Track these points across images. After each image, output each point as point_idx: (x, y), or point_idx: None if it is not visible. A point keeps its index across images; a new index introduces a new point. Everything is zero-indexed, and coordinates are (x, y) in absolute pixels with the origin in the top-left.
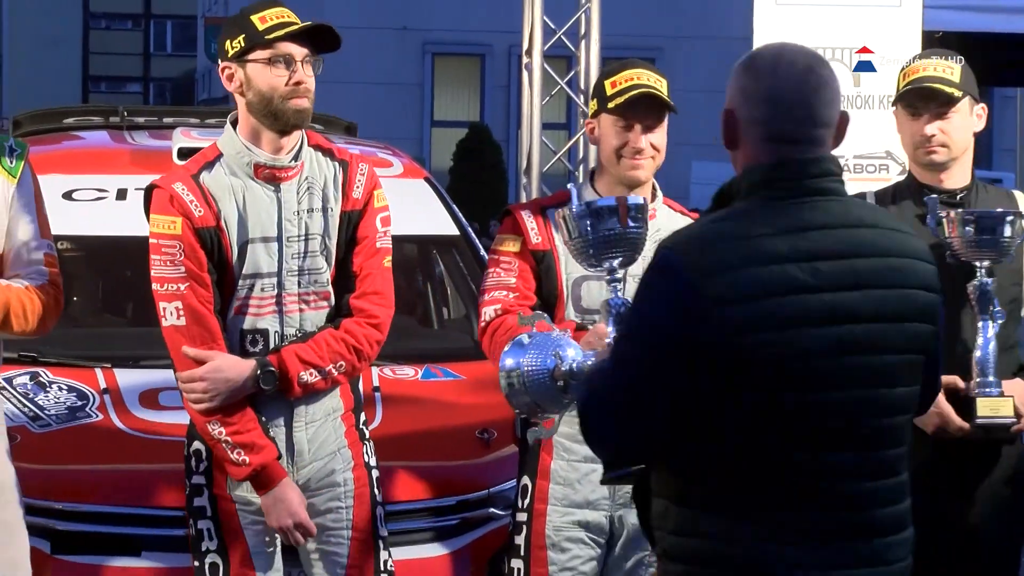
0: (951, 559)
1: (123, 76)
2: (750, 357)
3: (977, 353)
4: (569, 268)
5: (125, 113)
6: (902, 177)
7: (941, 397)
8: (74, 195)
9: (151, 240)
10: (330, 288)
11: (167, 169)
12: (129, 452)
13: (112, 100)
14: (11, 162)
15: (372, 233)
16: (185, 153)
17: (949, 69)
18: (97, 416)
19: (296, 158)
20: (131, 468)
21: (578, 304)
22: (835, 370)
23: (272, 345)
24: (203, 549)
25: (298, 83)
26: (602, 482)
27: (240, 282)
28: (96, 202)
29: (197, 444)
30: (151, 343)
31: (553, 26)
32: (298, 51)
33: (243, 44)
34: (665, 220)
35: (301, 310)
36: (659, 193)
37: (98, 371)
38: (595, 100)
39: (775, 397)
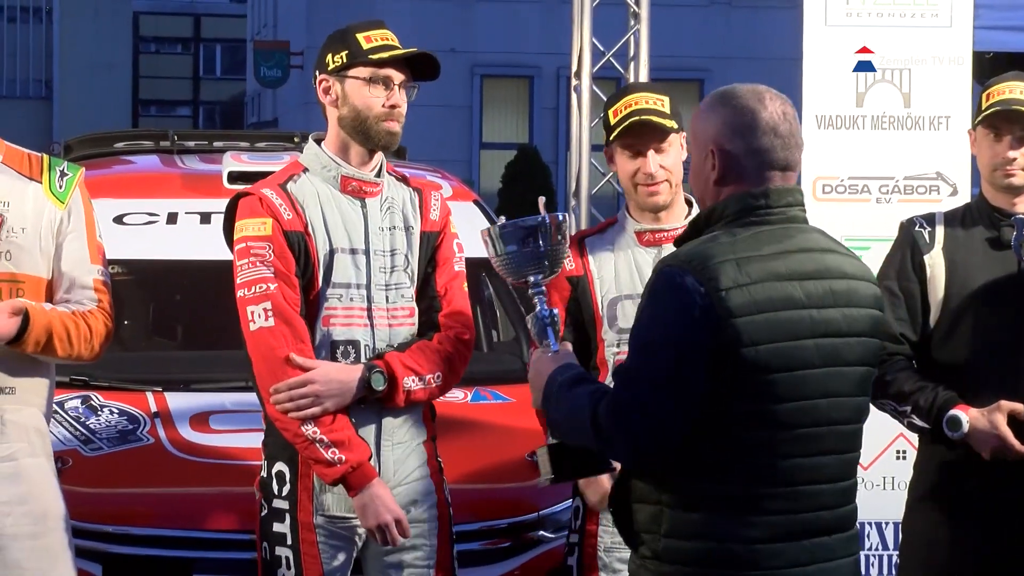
0: None
1: (173, 100)
2: (756, 366)
3: None
4: (603, 290)
5: (175, 137)
6: (953, 199)
7: (1001, 419)
8: (125, 219)
9: (238, 246)
10: (414, 305)
11: (217, 193)
12: (180, 475)
13: (162, 124)
14: (60, 187)
15: (451, 256)
16: (235, 177)
17: None
18: (148, 439)
19: (378, 175)
20: (182, 491)
21: (614, 323)
22: (821, 379)
23: (364, 357)
24: (278, 574)
25: (394, 106)
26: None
27: (329, 291)
28: (147, 226)
29: (280, 466)
30: (201, 367)
31: (602, 48)
32: (397, 75)
33: (344, 60)
34: None
35: (391, 325)
36: (695, 210)
37: (149, 395)
38: (605, 131)
39: (774, 403)
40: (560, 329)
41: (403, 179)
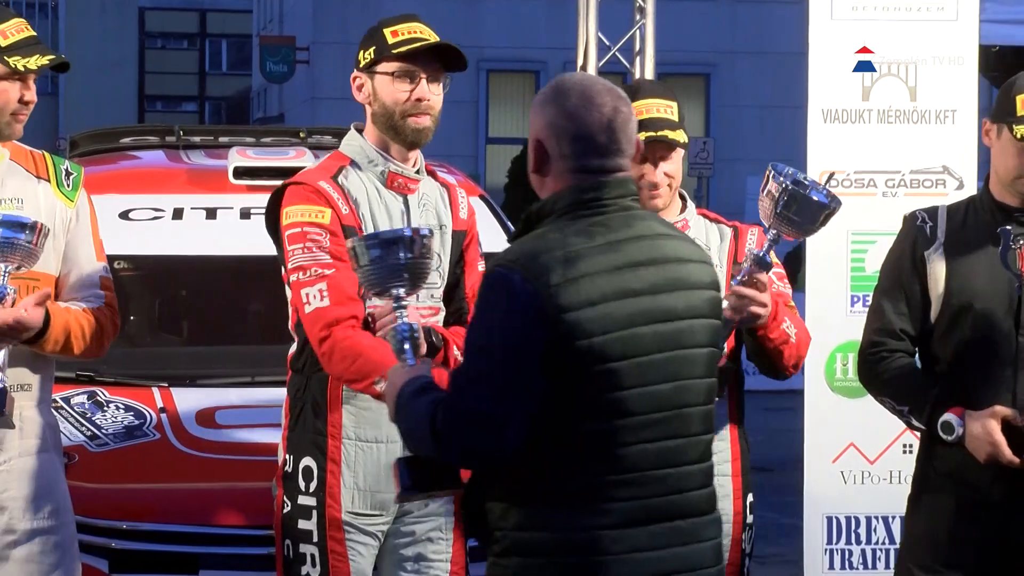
0: None
1: (179, 95)
2: (594, 358)
3: None
4: None
5: (181, 132)
6: (959, 192)
7: (995, 426)
8: (131, 215)
9: (291, 231)
10: (441, 304)
11: (223, 188)
12: (186, 471)
13: (168, 119)
14: (68, 186)
15: (478, 257)
16: (241, 172)
17: None
18: (154, 435)
19: (419, 172)
20: (189, 487)
21: None
22: (662, 364)
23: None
24: (303, 573)
25: (419, 99)
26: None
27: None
28: (153, 222)
29: (307, 461)
30: (208, 362)
31: (608, 42)
32: (424, 67)
33: (372, 56)
34: (700, 230)
35: (420, 323)
36: (690, 204)
37: (155, 390)
38: None
39: (615, 392)
40: (420, 344)
41: (432, 174)
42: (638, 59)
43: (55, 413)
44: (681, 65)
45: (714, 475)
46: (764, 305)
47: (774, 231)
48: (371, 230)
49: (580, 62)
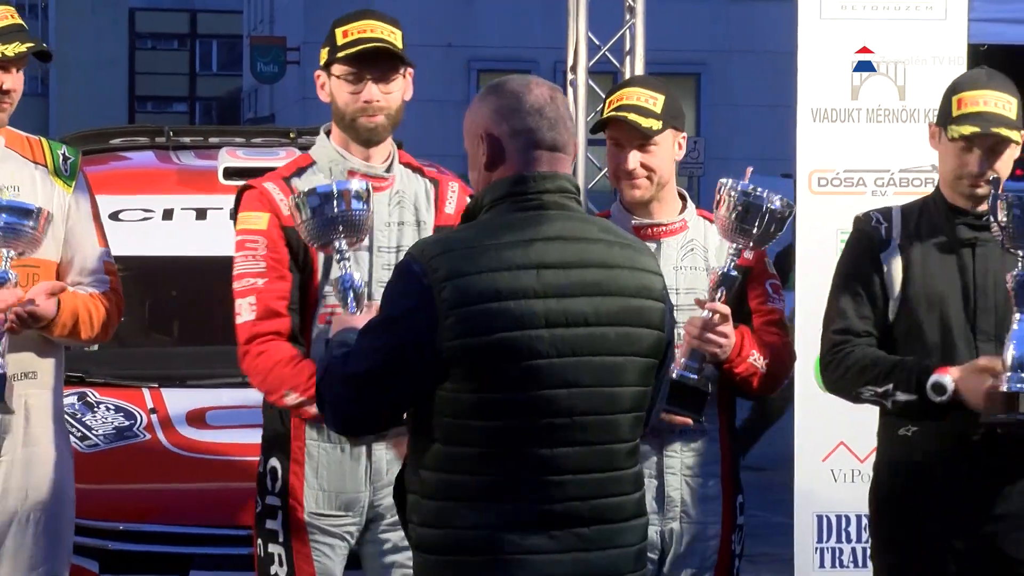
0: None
1: (169, 96)
2: (481, 356)
3: (1012, 347)
4: None
5: (171, 133)
6: None
7: (984, 363)
8: (120, 215)
9: (237, 238)
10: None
11: (213, 189)
12: (177, 471)
13: (158, 120)
14: (65, 170)
15: None
16: (231, 173)
17: (1007, 104)
18: (145, 436)
19: (389, 170)
20: (179, 487)
21: None
22: (558, 369)
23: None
24: (271, 572)
25: (367, 102)
26: None
27: (327, 288)
28: (142, 222)
29: (273, 461)
30: (198, 363)
31: (598, 42)
32: (371, 69)
33: (327, 56)
34: (699, 231)
35: None
36: (690, 205)
37: (145, 391)
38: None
39: (505, 394)
40: (362, 295)
41: (418, 170)
42: (628, 58)
43: None
44: (672, 65)
45: (700, 476)
46: (720, 345)
47: (733, 245)
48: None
49: (570, 62)
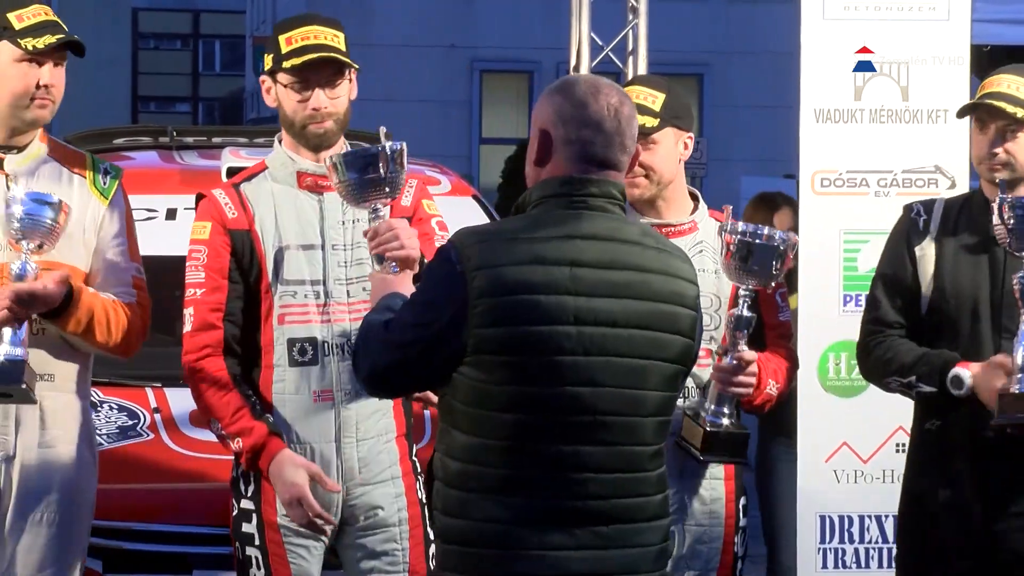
0: None
1: (172, 96)
2: (506, 347)
3: (1022, 348)
4: None
5: (174, 133)
6: (952, 191)
7: (1001, 360)
8: None
9: (188, 248)
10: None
11: (218, 188)
12: (180, 471)
13: (161, 120)
14: (104, 183)
15: (431, 234)
16: (234, 172)
17: (1019, 85)
18: (148, 435)
19: None
20: (182, 487)
21: None
22: (583, 367)
23: (323, 354)
24: (250, 574)
25: (315, 109)
26: None
27: (281, 288)
28: (146, 222)
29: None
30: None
31: (600, 43)
32: (316, 75)
33: (272, 63)
34: (709, 232)
35: (351, 319)
36: (702, 206)
37: (149, 391)
38: None
39: (528, 388)
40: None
41: None
42: (631, 59)
43: None
44: (674, 65)
45: (703, 479)
46: (748, 387)
47: (743, 286)
48: (271, 231)
49: (573, 62)
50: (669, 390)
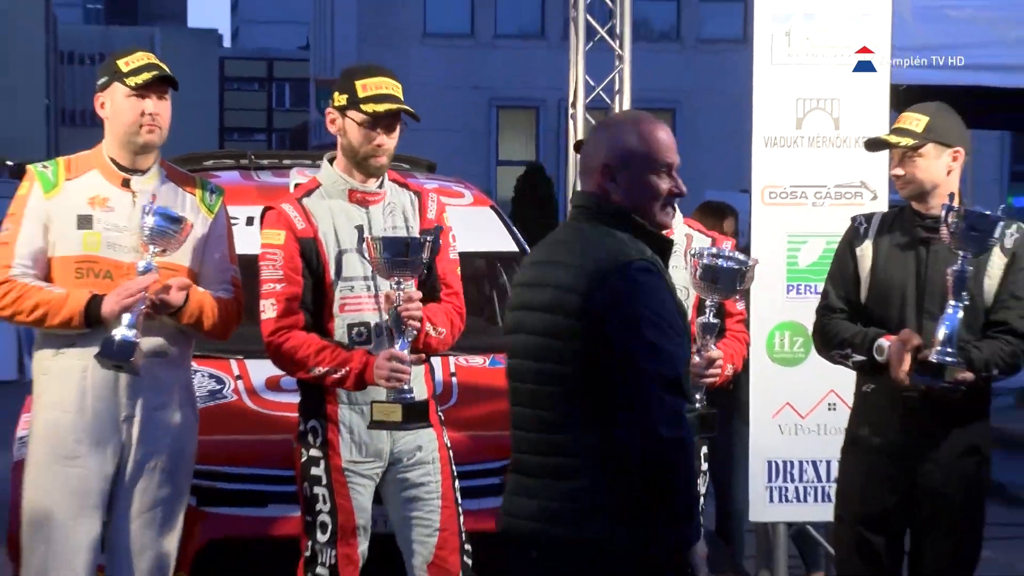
0: (926, 517)
1: (251, 127)
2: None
3: (944, 327)
4: None
5: (252, 156)
6: (874, 203)
7: (908, 338)
8: None
9: (261, 250)
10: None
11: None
12: (257, 425)
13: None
14: (210, 200)
15: (447, 245)
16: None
17: (917, 121)
18: (232, 397)
19: (381, 186)
20: (258, 438)
21: None
22: (511, 344)
23: (375, 335)
24: (316, 509)
25: (379, 146)
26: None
27: (340, 284)
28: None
29: (313, 422)
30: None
31: (593, 84)
32: (383, 120)
33: (344, 102)
34: (680, 236)
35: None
36: (677, 213)
37: (232, 362)
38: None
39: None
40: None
41: (404, 185)
42: (617, 97)
43: None
44: (652, 102)
45: None
46: (715, 377)
47: (709, 299)
48: (332, 238)
49: (571, 99)
50: (565, 364)
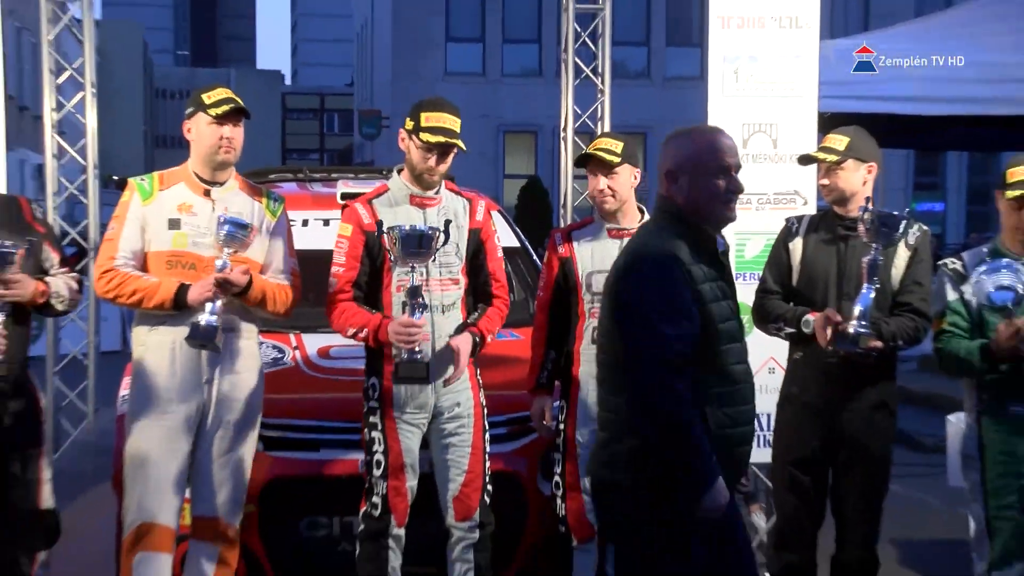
0: (844, 459)
1: (306, 148)
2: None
3: (859, 306)
4: (583, 266)
5: (307, 171)
6: (805, 207)
7: (829, 314)
8: None
9: (336, 238)
10: (460, 276)
11: (334, 206)
12: (311, 386)
13: (299, 164)
14: (274, 206)
15: (495, 247)
16: (345, 196)
17: (839, 141)
18: (290, 364)
19: (437, 192)
20: (310, 396)
21: (589, 288)
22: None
23: (423, 303)
24: (373, 450)
25: (432, 167)
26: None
27: (397, 268)
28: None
29: (372, 379)
30: (324, 318)
31: (580, 112)
32: (439, 149)
33: (411, 127)
34: None
35: (442, 289)
36: (647, 216)
37: (291, 335)
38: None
39: None
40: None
41: (458, 193)
42: (599, 123)
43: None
44: (627, 127)
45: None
46: None
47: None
48: (396, 232)
49: (562, 125)
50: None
